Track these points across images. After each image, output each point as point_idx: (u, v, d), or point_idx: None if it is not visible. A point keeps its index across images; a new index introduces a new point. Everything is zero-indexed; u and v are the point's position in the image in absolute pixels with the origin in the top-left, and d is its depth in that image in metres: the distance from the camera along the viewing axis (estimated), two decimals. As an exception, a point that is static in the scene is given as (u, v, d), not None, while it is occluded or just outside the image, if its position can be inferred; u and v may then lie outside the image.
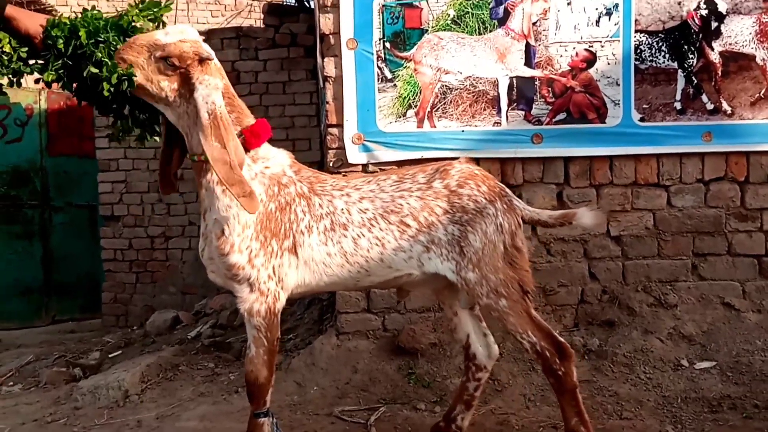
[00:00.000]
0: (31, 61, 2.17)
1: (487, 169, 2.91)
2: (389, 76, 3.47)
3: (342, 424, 2.97)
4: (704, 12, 3.43)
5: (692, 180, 3.48)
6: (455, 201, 2.31)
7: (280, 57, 5.61)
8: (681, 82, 3.45)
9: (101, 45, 2.08)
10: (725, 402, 2.95)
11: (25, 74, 2.17)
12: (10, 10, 2.09)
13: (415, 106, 3.47)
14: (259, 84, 5.61)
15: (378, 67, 3.46)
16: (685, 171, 3.48)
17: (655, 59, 3.45)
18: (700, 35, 3.44)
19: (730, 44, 3.44)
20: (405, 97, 3.47)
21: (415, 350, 3.39)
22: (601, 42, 3.45)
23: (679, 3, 3.44)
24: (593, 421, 2.49)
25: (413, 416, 3.02)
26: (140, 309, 5.87)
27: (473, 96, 3.47)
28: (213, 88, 2.12)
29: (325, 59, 3.47)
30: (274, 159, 2.33)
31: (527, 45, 3.46)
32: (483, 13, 3.46)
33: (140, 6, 2.23)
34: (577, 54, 3.46)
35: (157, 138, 2.42)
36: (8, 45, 2.07)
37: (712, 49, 3.45)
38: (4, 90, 2.17)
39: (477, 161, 3.29)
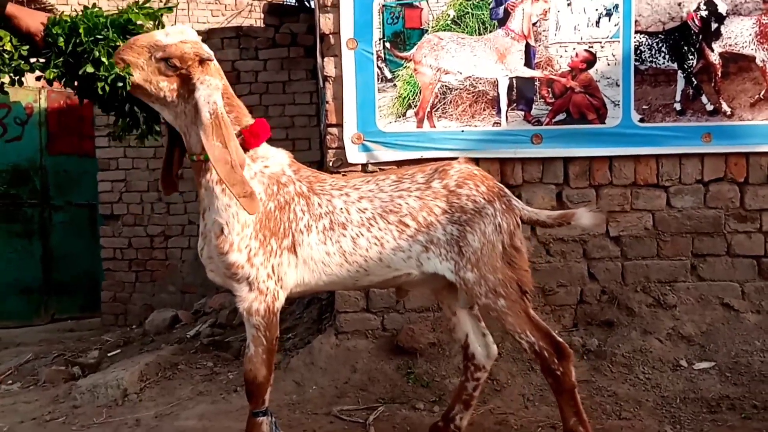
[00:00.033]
0: (32, 60, 2.18)
1: (486, 169, 2.92)
2: (389, 76, 3.47)
3: (341, 424, 2.97)
4: (704, 13, 3.43)
5: (692, 181, 3.48)
6: (454, 201, 2.31)
7: (280, 57, 5.62)
8: (681, 83, 3.46)
9: (101, 42, 2.09)
10: (724, 402, 2.96)
11: (25, 72, 2.17)
12: (11, 8, 2.10)
13: (415, 106, 3.47)
14: (259, 84, 5.62)
15: (378, 67, 3.46)
16: (685, 172, 3.48)
17: (655, 60, 3.45)
18: (700, 36, 3.44)
19: (730, 45, 3.44)
20: (405, 97, 3.47)
21: (414, 350, 3.39)
22: (601, 43, 3.45)
23: (679, 4, 3.44)
24: (592, 421, 2.49)
25: (412, 416, 3.02)
26: (139, 308, 5.87)
27: (473, 96, 3.47)
28: (214, 88, 2.13)
29: (325, 59, 3.47)
30: (273, 158, 2.33)
31: (527, 45, 3.46)
32: (483, 14, 3.46)
33: (140, 4, 2.24)
34: (576, 54, 3.46)
35: (157, 137, 2.43)
36: (9, 43, 2.08)
37: (712, 50, 3.45)
38: (5, 89, 2.18)
39: (476, 161, 3.29)
